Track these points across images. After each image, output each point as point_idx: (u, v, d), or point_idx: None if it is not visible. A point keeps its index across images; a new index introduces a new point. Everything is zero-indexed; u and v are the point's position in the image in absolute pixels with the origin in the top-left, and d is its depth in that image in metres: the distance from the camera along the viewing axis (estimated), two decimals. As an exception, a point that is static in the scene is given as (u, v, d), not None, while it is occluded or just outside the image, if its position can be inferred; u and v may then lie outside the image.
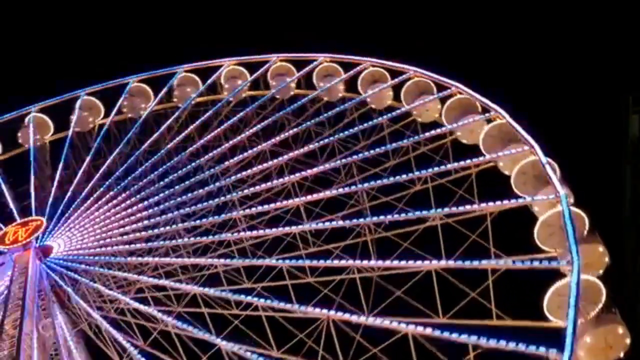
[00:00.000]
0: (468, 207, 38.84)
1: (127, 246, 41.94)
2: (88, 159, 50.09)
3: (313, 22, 72.48)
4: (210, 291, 37.67)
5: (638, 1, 61.58)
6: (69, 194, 46.59)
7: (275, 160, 45.68)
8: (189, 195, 44.53)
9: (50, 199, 46.14)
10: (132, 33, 71.50)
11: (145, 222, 43.27)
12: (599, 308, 34.18)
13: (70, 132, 53.54)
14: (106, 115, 55.75)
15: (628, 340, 33.16)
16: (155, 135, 51.21)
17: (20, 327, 36.67)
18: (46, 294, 40.79)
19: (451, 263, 35.69)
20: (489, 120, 44.72)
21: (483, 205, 38.80)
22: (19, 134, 56.02)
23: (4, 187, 48.91)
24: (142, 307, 37.83)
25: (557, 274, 35.66)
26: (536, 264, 34.80)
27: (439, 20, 69.54)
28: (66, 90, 56.21)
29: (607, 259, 37.66)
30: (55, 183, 48.09)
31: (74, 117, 55.15)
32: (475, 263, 35.40)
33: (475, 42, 67.87)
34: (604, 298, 34.39)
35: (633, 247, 55.96)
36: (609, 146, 59.82)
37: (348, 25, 71.62)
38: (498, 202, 38.75)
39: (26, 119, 55.84)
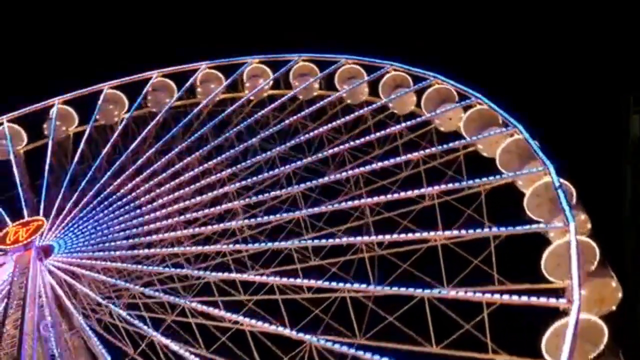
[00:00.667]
0: (471, 231, 36.89)
1: (126, 252, 41.60)
2: (102, 155, 49.92)
3: (337, 23, 70.77)
4: (199, 306, 36.97)
5: (638, 1, 60.05)
6: (77, 192, 46.49)
7: (283, 168, 44.50)
8: (193, 200, 43.81)
9: (60, 197, 46.10)
10: (156, 28, 71.28)
11: (146, 227, 42.79)
12: (600, 350, 32.09)
13: (89, 126, 53.47)
14: (129, 109, 55.60)
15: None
16: (171, 132, 50.74)
17: (21, 327, 36.72)
18: (47, 294, 40.81)
19: (444, 292, 33.89)
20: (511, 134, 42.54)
21: (486, 230, 36.74)
22: (45, 126, 56.35)
23: (18, 180, 49.03)
24: (128, 317, 37.43)
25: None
26: (534, 299, 32.55)
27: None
28: (90, 83, 56.31)
29: (619, 295, 35.30)
30: (67, 179, 48.09)
31: (96, 111, 55.10)
32: (470, 295, 33.46)
33: (469, 35, 65.54)
34: (605, 339, 32.13)
35: (633, 247, 54.93)
36: (609, 146, 59.10)
37: (373, 28, 69.63)
38: (502, 229, 36.74)
39: (51, 111, 56.06)
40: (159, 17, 72.28)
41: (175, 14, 72.90)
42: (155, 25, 70.90)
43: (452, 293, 33.82)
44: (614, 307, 35.00)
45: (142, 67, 56.37)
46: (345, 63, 51.52)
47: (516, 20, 67.17)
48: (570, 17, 64.36)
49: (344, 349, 32.27)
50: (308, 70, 53.24)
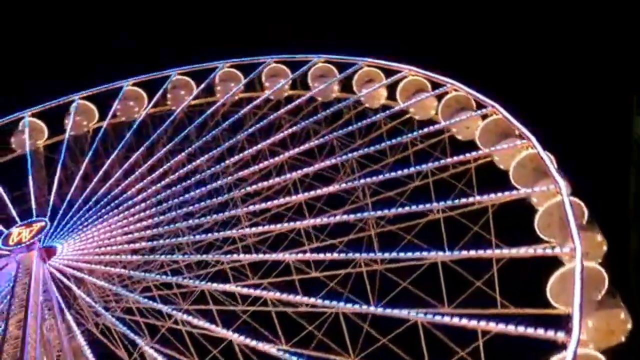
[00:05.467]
0: (473, 252, 35.31)
1: (128, 256, 41.42)
2: (115, 153, 49.77)
3: (357, 25, 69.35)
4: (191, 318, 36.56)
5: (641, 2, 57.86)
6: (87, 191, 46.49)
7: (289, 175, 43.57)
8: (196, 206, 43.32)
9: (68, 197, 46.21)
10: (176, 27, 71.03)
11: (149, 231, 42.48)
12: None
13: (105, 123, 53.43)
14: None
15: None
16: (183, 133, 50.29)
17: (24, 328, 36.93)
18: (50, 294, 40.95)
19: (438, 317, 32.58)
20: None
21: (489, 252, 35.21)
22: (66, 121, 56.51)
23: (30, 177, 49.28)
24: (124, 324, 37.25)
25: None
26: (531, 331, 30.91)
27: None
28: (111, 80, 56.30)
29: (628, 326, 33.38)
30: (78, 177, 48.14)
31: (115, 106, 54.96)
32: (464, 321, 32.21)
33: (469, 33, 63.50)
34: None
35: (637, 248, 53.98)
36: (614, 146, 58.03)
37: (391, 31, 67.99)
38: (505, 251, 35.23)
39: (71, 107, 56.17)
40: (180, 16, 72.14)
41: (196, 13, 72.57)
42: (175, 24, 70.82)
43: (446, 318, 32.32)
44: (622, 339, 33.22)
45: (162, 65, 56.47)
46: (364, 66, 50.17)
47: (521, 20, 65.56)
48: (574, 17, 62.59)
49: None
50: (327, 71, 52.05)
